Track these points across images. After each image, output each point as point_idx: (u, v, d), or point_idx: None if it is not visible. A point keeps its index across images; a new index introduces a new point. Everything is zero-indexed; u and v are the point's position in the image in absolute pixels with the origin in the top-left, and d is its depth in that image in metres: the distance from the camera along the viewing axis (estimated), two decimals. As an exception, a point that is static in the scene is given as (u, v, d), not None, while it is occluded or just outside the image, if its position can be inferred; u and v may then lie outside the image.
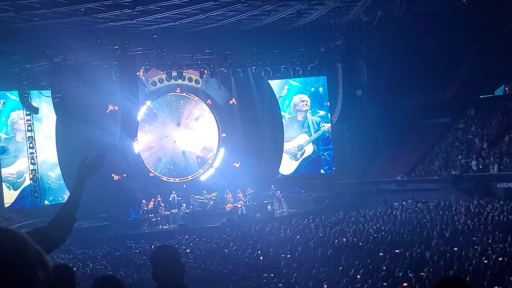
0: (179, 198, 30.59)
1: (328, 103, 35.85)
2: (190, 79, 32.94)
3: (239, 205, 30.29)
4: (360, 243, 19.63)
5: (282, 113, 35.65)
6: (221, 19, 27.43)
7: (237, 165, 34.28)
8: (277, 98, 35.51)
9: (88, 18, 24.24)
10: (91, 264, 18.37)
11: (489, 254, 15.94)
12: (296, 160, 35.82)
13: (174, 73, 30.24)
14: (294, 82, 35.76)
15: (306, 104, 36.11)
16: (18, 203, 28.13)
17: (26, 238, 1.88)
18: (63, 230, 3.46)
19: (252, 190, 31.48)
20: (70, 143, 28.44)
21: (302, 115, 36.12)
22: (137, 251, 21.57)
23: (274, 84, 35.39)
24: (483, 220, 21.60)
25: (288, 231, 23.65)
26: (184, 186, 32.74)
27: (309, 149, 36.02)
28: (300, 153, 35.92)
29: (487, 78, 35.79)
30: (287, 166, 35.67)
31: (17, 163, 28.32)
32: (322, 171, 36.08)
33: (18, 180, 28.26)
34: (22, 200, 28.09)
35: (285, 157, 35.58)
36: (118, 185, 30.54)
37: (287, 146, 35.64)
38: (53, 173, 29.28)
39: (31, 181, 27.92)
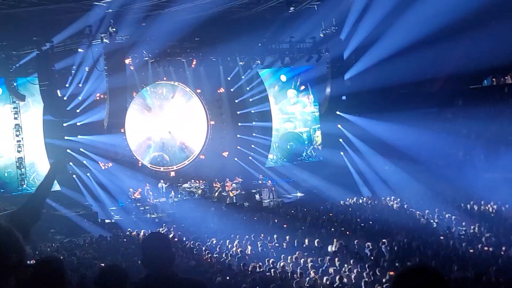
0: (167, 186, 30.56)
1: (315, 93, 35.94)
2: (178, 67, 32.77)
3: (232, 194, 30.36)
4: (347, 232, 19.74)
5: (278, 98, 35.81)
6: (210, 7, 27.28)
7: (226, 154, 34.27)
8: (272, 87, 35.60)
9: (76, 4, 24.02)
10: (77, 253, 18.33)
11: (475, 244, 16.10)
12: (289, 139, 36.02)
13: (162, 61, 30.13)
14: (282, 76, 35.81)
15: (295, 95, 36.16)
16: (4, 190, 27.92)
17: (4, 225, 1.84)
18: (33, 215, 3.53)
19: (240, 179, 31.51)
20: (58, 131, 28.32)
21: (296, 103, 36.23)
22: (125, 239, 21.55)
23: (267, 73, 35.37)
24: (469, 210, 21.78)
25: (276, 221, 23.72)
26: (172, 175, 32.69)
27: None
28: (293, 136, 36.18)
29: (476, 69, 35.87)
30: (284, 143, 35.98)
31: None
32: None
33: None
34: (8, 186, 27.87)
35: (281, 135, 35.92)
36: (105, 173, 30.43)
37: (283, 128, 35.87)
38: (39, 161, 29.06)
39: (18, 169, 27.74)
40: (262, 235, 20.54)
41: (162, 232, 20.47)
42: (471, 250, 15.33)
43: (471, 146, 31.70)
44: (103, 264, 14.60)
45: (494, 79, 38.00)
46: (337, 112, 35.45)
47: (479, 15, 32.36)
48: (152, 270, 3.76)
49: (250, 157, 33.93)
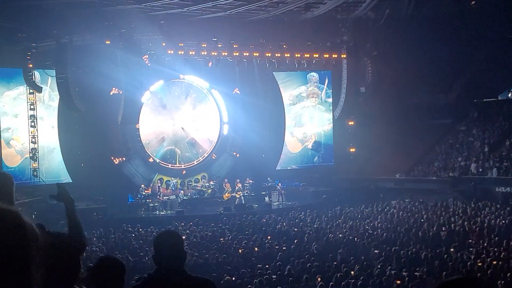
0: (178, 185, 30.65)
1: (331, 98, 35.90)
2: (194, 66, 32.86)
3: (237, 196, 30.33)
4: (355, 239, 19.69)
5: (293, 101, 35.80)
6: (229, 8, 27.36)
7: (237, 155, 34.30)
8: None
9: (97, 0, 24.21)
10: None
11: (484, 257, 16.00)
12: (302, 144, 35.95)
13: (179, 60, 30.26)
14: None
15: (317, 97, 36.09)
16: (16, 179, 28.09)
17: (22, 216, 1.86)
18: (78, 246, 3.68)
19: (251, 181, 31.53)
20: (72, 124, 28.53)
21: (311, 107, 36.17)
22: (133, 235, 21.62)
23: (282, 75, 35.43)
24: (479, 223, 21.65)
25: (284, 224, 23.71)
26: (184, 172, 32.79)
27: (312, 139, 36.15)
28: (305, 139, 36.07)
29: (491, 82, 35.72)
30: (295, 146, 35.88)
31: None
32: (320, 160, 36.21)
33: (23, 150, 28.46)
34: (21, 177, 28.08)
35: (294, 139, 35.82)
36: (117, 168, 30.58)
37: (295, 132, 35.82)
38: (53, 153, 29.29)
39: (31, 160, 27.95)
40: (269, 237, 20.57)
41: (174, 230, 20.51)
42: (480, 263, 15.25)
43: (484, 159, 31.51)
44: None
45: (510, 93, 37.81)
46: (350, 122, 35.50)
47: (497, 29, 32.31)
48: (163, 267, 3.80)
49: (261, 159, 33.90)
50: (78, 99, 27.62)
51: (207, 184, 31.29)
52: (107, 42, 26.77)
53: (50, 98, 29.21)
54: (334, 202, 29.82)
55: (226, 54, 30.78)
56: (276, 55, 31.70)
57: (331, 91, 35.78)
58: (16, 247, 1.79)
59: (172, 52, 29.31)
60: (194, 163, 33.65)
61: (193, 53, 30.39)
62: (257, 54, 31.47)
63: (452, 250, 17.36)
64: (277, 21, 30.30)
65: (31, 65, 26.86)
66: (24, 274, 1.78)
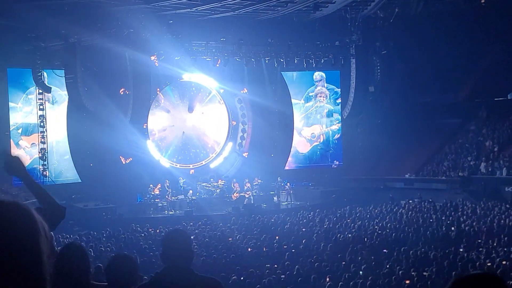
0: (185, 186, 30.66)
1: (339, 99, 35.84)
2: (203, 66, 32.89)
3: (246, 196, 30.32)
4: (364, 239, 19.62)
5: (301, 101, 35.73)
6: (238, 8, 27.35)
7: (246, 155, 34.30)
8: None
9: (105, 0, 24.28)
10: (95, 246, 18.46)
11: (493, 257, 15.91)
12: (311, 144, 35.91)
13: (187, 59, 30.30)
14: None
15: (325, 96, 36.03)
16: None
17: (34, 213, 1.84)
18: (57, 214, 3.46)
19: (259, 181, 31.52)
20: (81, 124, 28.62)
21: (319, 107, 36.11)
22: (142, 235, 21.66)
23: (289, 75, 35.40)
24: (489, 223, 21.54)
25: (293, 223, 23.68)
26: (192, 172, 32.82)
27: (321, 139, 36.11)
28: (314, 139, 36.03)
29: (501, 81, 35.53)
30: (304, 146, 35.89)
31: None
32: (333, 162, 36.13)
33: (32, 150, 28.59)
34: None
35: (302, 139, 35.83)
36: (126, 168, 30.64)
37: (304, 132, 35.75)
38: (62, 153, 29.40)
39: (40, 160, 28.06)
40: (277, 237, 20.54)
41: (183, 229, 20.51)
42: (489, 263, 15.15)
43: (494, 158, 31.36)
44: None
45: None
46: (359, 121, 35.44)
47: (507, 28, 32.13)
48: (170, 265, 3.81)
49: (270, 159, 33.89)
50: (87, 99, 27.71)
51: (216, 184, 31.30)
52: (115, 41, 26.79)
53: (59, 98, 29.31)
54: (343, 202, 29.76)
55: (234, 53, 30.78)
56: (285, 54, 31.65)
57: (339, 90, 35.74)
58: (29, 239, 1.76)
59: (180, 51, 29.33)
60: (202, 163, 33.70)
61: (202, 52, 30.41)
62: (266, 54, 31.44)
63: (461, 250, 17.28)
64: (285, 20, 30.28)
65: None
66: (38, 265, 1.75)
